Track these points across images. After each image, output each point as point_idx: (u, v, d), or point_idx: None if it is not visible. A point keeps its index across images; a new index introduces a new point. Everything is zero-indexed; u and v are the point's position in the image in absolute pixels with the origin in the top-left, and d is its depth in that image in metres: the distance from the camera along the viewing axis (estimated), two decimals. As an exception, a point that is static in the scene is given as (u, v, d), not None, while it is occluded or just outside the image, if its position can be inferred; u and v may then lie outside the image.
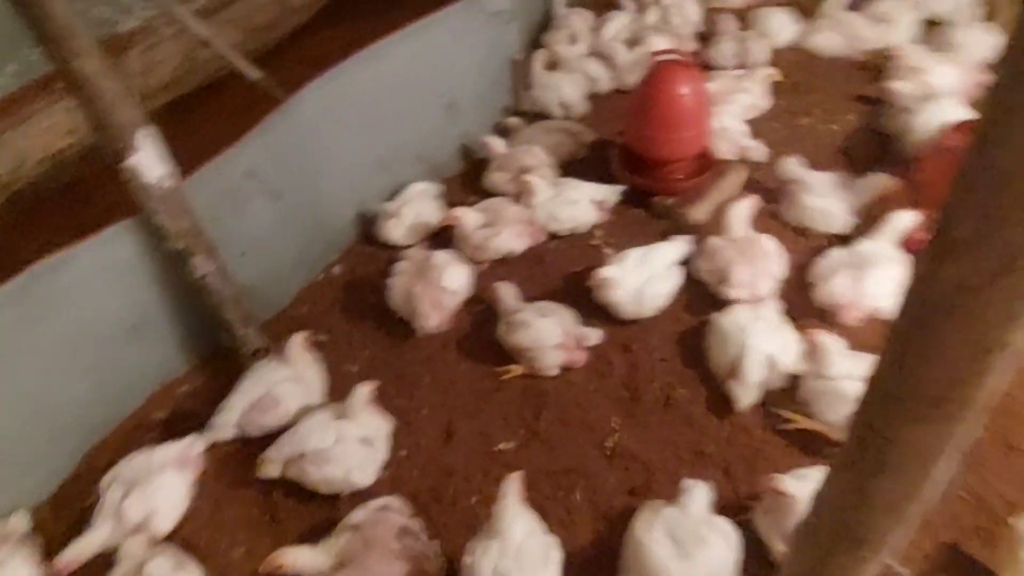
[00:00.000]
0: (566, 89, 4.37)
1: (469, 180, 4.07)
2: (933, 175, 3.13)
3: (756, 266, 3.02)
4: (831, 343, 2.59)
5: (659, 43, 4.61)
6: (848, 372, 2.48)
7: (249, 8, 6.02)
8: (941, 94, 3.91)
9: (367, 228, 3.75)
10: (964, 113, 3.45)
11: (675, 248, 3.18)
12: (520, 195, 3.62)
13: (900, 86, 3.87)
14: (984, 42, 4.25)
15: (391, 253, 3.57)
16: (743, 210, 3.16)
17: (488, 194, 3.85)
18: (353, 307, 3.42)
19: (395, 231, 3.62)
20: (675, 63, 3.32)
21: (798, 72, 4.53)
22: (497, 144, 3.93)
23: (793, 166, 3.50)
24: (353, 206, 3.71)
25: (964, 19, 4.34)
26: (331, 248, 3.66)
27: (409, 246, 3.57)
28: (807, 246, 3.36)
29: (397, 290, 3.23)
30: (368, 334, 3.28)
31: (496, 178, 3.87)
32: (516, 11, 4.10)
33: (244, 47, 5.93)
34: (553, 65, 4.63)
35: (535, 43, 4.91)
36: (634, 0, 5.25)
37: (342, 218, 3.68)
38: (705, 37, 4.87)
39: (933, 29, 4.52)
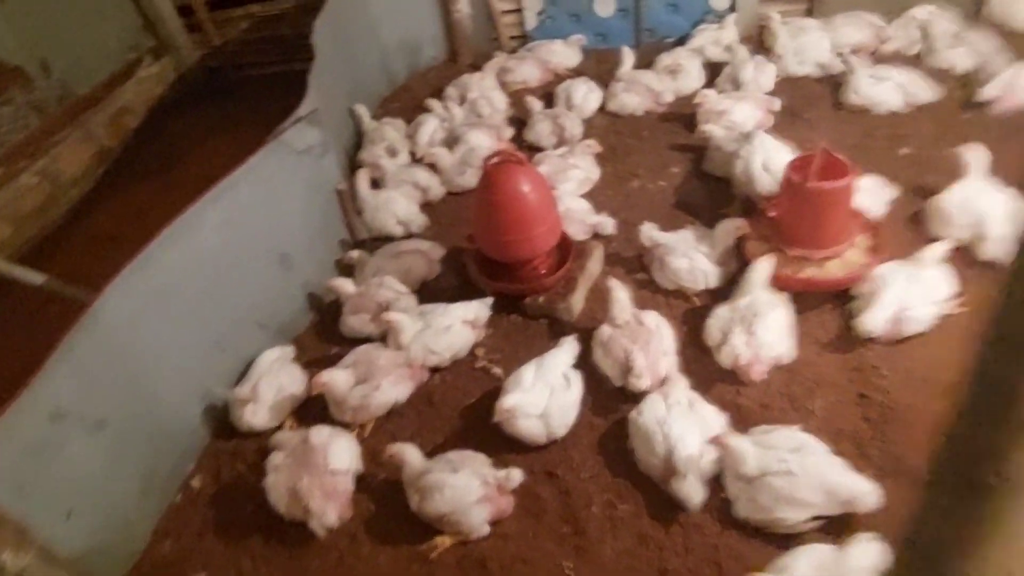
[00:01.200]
0: (399, 205, 4.15)
1: (324, 332, 3.67)
2: (785, 212, 3.22)
3: (651, 348, 2.91)
4: (740, 445, 2.45)
5: (476, 137, 4.57)
6: (766, 466, 2.37)
7: (14, 194, 5.28)
8: (748, 130, 4.17)
9: (221, 421, 3.22)
10: (776, 145, 3.63)
11: (567, 352, 2.99)
12: (386, 336, 3.29)
13: (712, 129, 4.04)
14: (766, 74, 4.60)
15: (258, 443, 3.08)
16: (622, 293, 3.06)
17: (350, 342, 3.48)
18: (228, 525, 2.86)
19: (255, 416, 3.13)
20: (508, 163, 3.20)
21: (612, 136, 4.65)
22: (345, 285, 3.59)
23: (650, 231, 3.49)
24: (198, 401, 3.18)
25: (742, 58, 4.69)
26: (183, 458, 3.09)
27: (277, 428, 3.10)
28: (687, 308, 3.33)
29: (278, 488, 2.74)
30: (257, 554, 2.73)
31: (354, 322, 3.51)
32: (327, 141, 3.83)
33: (17, 240, 5.17)
34: (378, 183, 4.41)
35: (354, 164, 4.67)
36: (439, 98, 5.22)
37: (188, 419, 3.13)
38: (518, 121, 4.89)
39: (718, 70, 4.84)
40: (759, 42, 5.15)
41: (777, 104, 4.36)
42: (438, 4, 5.80)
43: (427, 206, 4.37)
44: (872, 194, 3.48)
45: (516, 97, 5.17)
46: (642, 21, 5.53)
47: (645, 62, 5.09)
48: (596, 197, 4.11)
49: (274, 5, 6.38)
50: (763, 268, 3.05)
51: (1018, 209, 3.19)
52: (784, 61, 4.75)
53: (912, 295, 2.88)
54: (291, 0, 6.33)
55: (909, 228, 3.46)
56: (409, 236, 4.15)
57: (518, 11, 5.78)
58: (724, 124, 4.21)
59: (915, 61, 4.66)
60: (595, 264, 3.59)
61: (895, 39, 4.79)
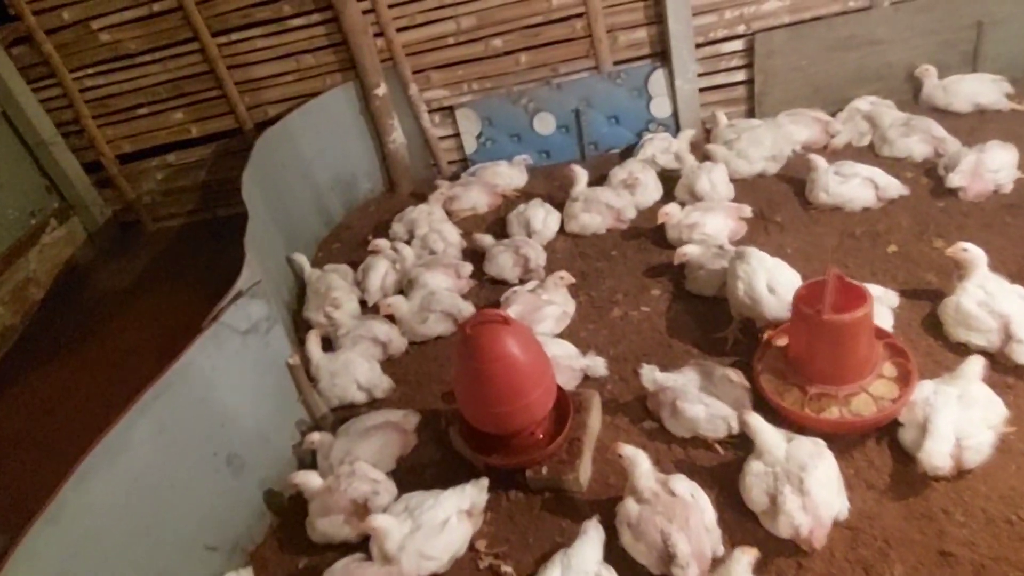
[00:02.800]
0: (359, 368, 3.65)
1: (288, 539, 3.06)
2: (800, 346, 2.91)
3: (691, 526, 2.46)
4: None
5: (434, 278, 4.18)
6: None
7: None
8: (721, 241, 3.94)
9: None
10: (776, 263, 3.37)
11: (594, 543, 2.51)
12: (370, 543, 2.72)
13: (689, 251, 3.78)
14: (721, 181, 4.44)
15: None
16: (643, 460, 2.62)
17: (322, 549, 2.89)
18: None
19: None
20: (491, 324, 2.79)
21: (580, 261, 4.35)
22: (309, 479, 3.02)
23: (652, 374, 3.11)
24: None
25: (692, 166, 4.55)
26: None
27: None
28: (711, 459, 2.92)
29: None
30: None
31: (325, 526, 2.93)
32: (272, 313, 3.34)
33: None
34: (330, 342, 3.92)
35: (300, 325, 4.18)
36: (382, 233, 4.86)
37: None
38: (474, 254, 4.54)
39: (672, 181, 4.68)
40: (703, 140, 5.09)
41: (747, 211, 4.18)
42: (371, 136, 5.54)
43: (389, 363, 3.89)
44: (876, 304, 3.23)
45: (465, 226, 4.86)
46: (585, 136, 5.39)
47: (595, 176, 4.91)
48: (577, 333, 3.75)
49: (191, 152, 5.97)
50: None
51: (1038, 304, 2.99)
52: (735, 163, 4.63)
53: (969, 420, 2.57)
54: (209, 146, 5.94)
55: (925, 337, 3.21)
56: (374, 402, 3.64)
57: (456, 136, 5.57)
58: (697, 237, 3.98)
59: (868, 153, 4.63)
60: (595, 419, 3.17)
61: (843, 132, 4.78)
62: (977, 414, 2.58)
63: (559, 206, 4.67)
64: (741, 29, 5.03)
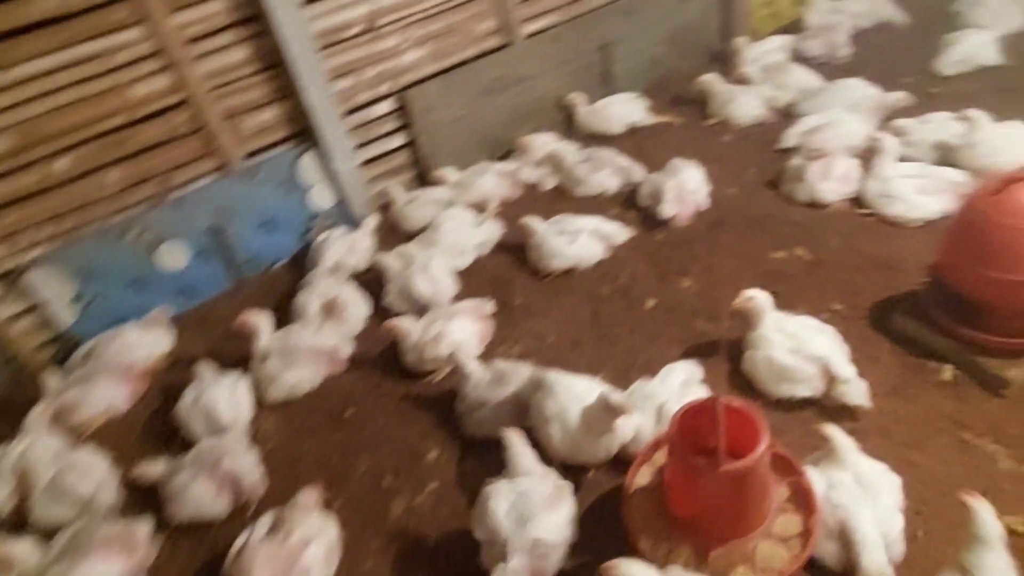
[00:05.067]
0: None
1: None
2: (684, 502, 2.22)
3: None
4: None
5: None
6: None
7: None
8: (472, 347, 3.15)
9: None
10: (566, 386, 2.63)
11: None
12: None
13: (473, 380, 2.88)
14: (442, 275, 3.63)
15: None
16: None
17: None
18: None
19: None
20: None
21: (308, 444, 3.11)
22: None
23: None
24: None
25: (396, 268, 3.65)
26: None
27: None
28: None
29: None
30: None
31: None
32: None
33: None
34: None
35: None
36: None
37: None
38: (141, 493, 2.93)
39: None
40: (387, 224, 4.22)
41: (489, 307, 3.43)
42: None
43: None
44: (688, 386, 2.76)
45: (108, 441, 3.19)
46: (234, 257, 4.04)
47: (272, 305, 3.68)
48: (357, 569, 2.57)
49: None
50: None
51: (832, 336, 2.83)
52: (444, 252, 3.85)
53: (883, 508, 2.18)
54: None
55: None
56: None
57: (33, 309, 3.67)
58: (445, 352, 3.11)
59: (564, 196, 4.28)
60: None
61: (528, 179, 4.37)
62: (886, 499, 2.22)
63: (240, 364, 3.31)
64: (387, 88, 4.24)
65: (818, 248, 3.54)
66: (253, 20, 3.66)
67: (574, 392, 2.56)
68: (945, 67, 4.73)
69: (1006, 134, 3.68)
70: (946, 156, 3.77)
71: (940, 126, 3.89)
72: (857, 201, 3.74)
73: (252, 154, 3.98)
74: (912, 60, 4.95)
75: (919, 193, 3.53)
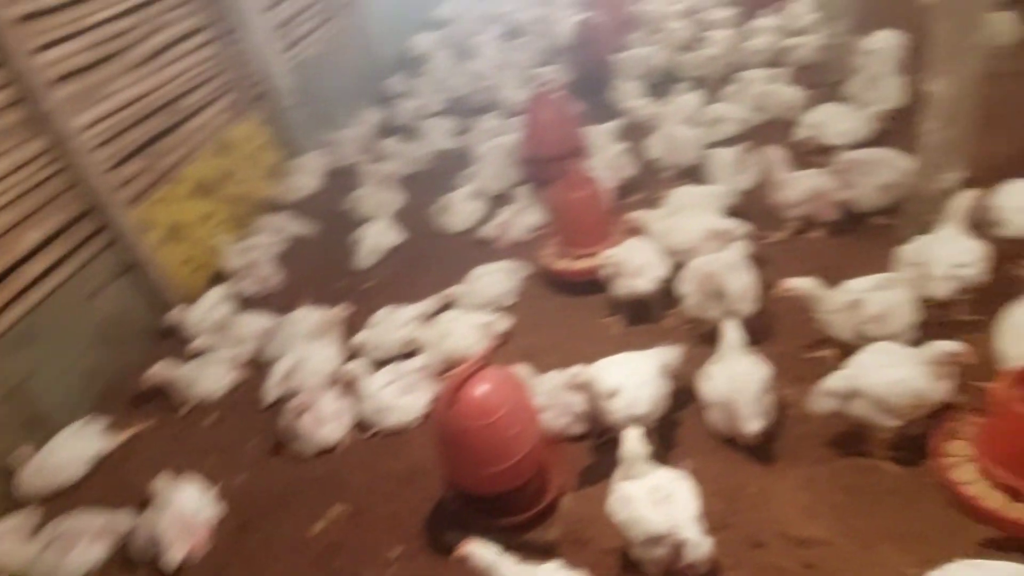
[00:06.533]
0: None
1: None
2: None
3: None
4: None
5: None
6: None
7: None
8: None
9: None
10: None
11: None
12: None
13: None
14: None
15: None
16: None
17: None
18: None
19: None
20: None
21: None
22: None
23: None
24: None
25: None
26: None
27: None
28: None
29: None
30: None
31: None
32: None
33: None
34: None
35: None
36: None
37: None
38: None
39: None
40: None
41: None
42: None
43: None
44: None
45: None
46: None
47: None
48: None
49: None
50: None
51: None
52: None
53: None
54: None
55: None
56: None
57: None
58: None
59: None
60: None
61: None
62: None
63: None
64: None
65: (350, 494, 3.40)
66: None
67: None
68: (363, 260, 5.26)
69: (450, 318, 4.15)
70: (410, 345, 4.08)
71: (390, 324, 4.20)
72: (361, 425, 3.75)
73: None
74: (336, 264, 5.37)
75: (404, 395, 3.72)
